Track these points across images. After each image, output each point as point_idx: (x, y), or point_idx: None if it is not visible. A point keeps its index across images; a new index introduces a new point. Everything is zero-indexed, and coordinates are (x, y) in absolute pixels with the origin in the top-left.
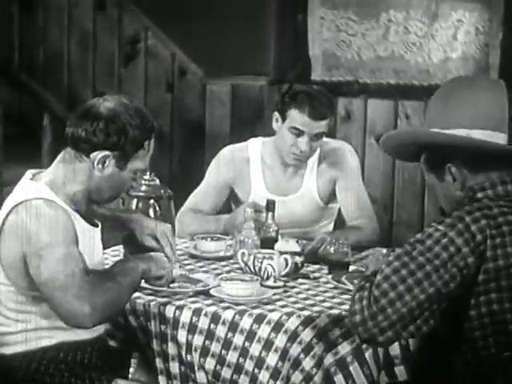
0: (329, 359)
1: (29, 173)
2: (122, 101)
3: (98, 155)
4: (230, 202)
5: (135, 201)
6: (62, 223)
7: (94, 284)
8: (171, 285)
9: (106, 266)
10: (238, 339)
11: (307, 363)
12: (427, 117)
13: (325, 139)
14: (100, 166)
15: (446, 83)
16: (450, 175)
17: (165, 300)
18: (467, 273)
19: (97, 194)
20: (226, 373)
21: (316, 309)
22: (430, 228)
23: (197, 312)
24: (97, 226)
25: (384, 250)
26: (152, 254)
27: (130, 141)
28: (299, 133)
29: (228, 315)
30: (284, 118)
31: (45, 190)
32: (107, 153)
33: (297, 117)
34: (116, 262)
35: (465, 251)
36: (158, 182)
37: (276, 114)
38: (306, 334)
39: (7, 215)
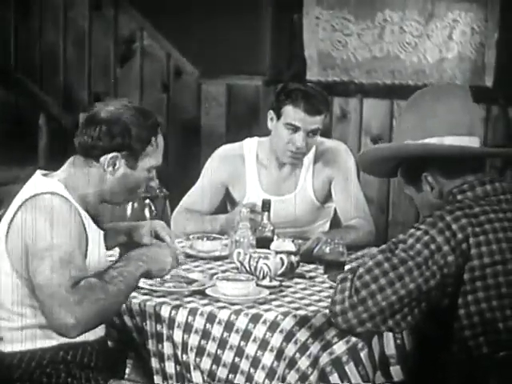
0: (324, 359)
1: (39, 172)
2: (122, 103)
3: (106, 158)
4: (226, 201)
5: None
6: (72, 221)
7: (82, 295)
8: (166, 284)
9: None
10: (234, 339)
11: (303, 363)
12: (398, 130)
13: (320, 139)
14: (111, 168)
15: (413, 95)
16: (427, 184)
17: (160, 300)
18: (448, 272)
19: (111, 196)
20: (222, 372)
21: (312, 308)
22: (412, 228)
23: (192, 312)
24: (103, 229)
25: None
26: (155, 250)
27: (135, 139)
28: (295, 129)
29: (224, 315)
30: (279, 116)
31: (59, 187)
32: (115, 154)
33: (292, 113)
34: (115, 263)
35: (445, 249)
36: None
37: (271, 113)
38: (302, 334)
39: (18, 209)
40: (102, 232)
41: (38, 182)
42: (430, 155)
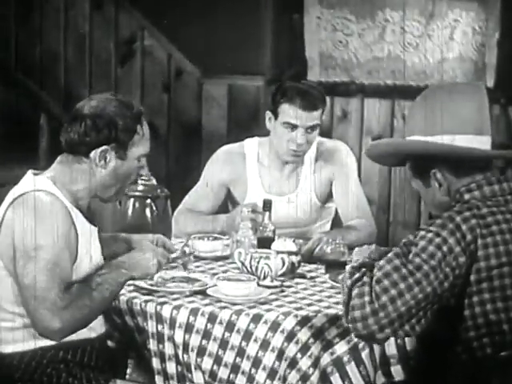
0: (325, 359)
1: (31, 171)
2: (104, 96)
3: (96, 152)
4: (227, 201)
5: (132, 200)
6: (60, 218)
7: (69, 301)
8: (168, 284)
9: None
10: (235, 339)
11: (304, 363)
12: (409, 124)
13: (321, 139)
14: (102, 162)
15: (426, 91)
16: (435, 181)
17: (161, 300)
18: (459, 273)
19: (104, 190)
20: (223, 373)
21: (313, 308)
22: (422, 230)
23: (194, 312)
24: (95, 225)
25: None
26: (137, 255)
27: (121, 129)
28: (293, 127)
29: (225, 315)
30: (276, 115)
31: (47, 184)
32: (105, 147)
33: (289, 110)
34: (99, 271)
35: (457, 251)
36: (154, 181)
37: (269, 113)
38: (303, 334)
39: (7, 208)
40: (95, 228)
41: (28, 179)
42: (436, 154)
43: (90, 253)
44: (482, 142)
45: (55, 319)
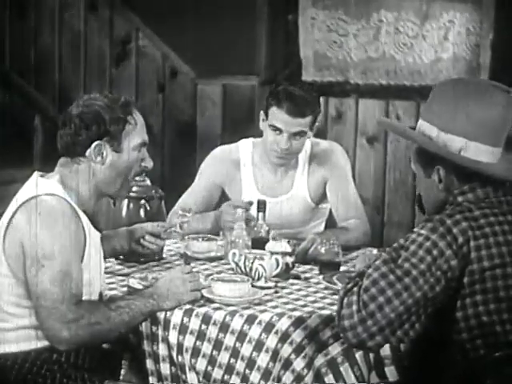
0: (319, 360)
1: (37, 173)
2: (88, 96)
3: (91, 149)
4: (222, 202)
5: (126, 201)
6: (71, 225)
7: (80, 314)
8: None
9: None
10: (229, 340)
11: (298, 364)
12: (431, 110)
13: (315, 140)
14: (99, 158)
15: (462, 82)
16: (437, 176)
17: None
18: (451, 276)
19: (107, 186)
20: (217, 373)
21: (307, 309)
22: (413, 234)
23: (188, 313)
24: (100, 231)
25: (374, 251)
26: (169, 285)
27: (110, 122)
28: (279, 130)
29: (219, 316)
30: (267, 116)
31: (57, 188)
32: (98, 142)
33: (276, 114)
34: (127, 295)
35: (448, 254)
36: (148, 182)
37: (262, 114)
38: (297, 335)
39: (17, 210)
40: (98, 234)
41: (37, 183)
42: (446, 159)
43: (95, 259)
44: (493, 154)
45: (64, 329)
